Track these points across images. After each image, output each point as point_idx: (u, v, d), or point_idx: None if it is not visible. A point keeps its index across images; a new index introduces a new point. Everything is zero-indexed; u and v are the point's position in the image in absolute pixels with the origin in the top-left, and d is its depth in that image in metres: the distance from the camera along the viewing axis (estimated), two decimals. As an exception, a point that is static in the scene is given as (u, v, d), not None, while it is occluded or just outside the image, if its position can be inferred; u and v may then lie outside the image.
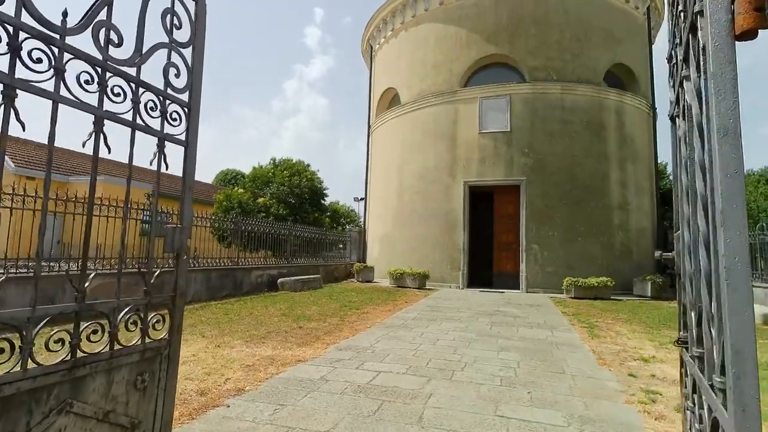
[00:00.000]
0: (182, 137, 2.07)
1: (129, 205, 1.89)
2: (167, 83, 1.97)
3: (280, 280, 11.17)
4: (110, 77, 1.68)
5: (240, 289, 10.12)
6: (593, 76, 13.20)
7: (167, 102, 1.98)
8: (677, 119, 1.50)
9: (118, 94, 1.72)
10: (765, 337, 6.32)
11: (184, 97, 2.08)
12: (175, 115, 2.04)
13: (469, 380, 3.74)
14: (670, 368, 4.38)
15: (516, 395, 3.40)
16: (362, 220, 17.67)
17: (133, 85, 1.80)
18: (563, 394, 3.45)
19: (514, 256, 12.89)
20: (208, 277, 9.18)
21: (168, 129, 2.00)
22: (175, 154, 2.22)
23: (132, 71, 1.79)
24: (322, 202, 27.36)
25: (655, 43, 15.63)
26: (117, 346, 1.72)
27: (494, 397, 3.34)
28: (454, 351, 4.82)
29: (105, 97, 1.67)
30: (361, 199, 21.92)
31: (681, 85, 1.33)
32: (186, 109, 2.09)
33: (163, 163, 1.97)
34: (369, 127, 17.65)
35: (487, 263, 14.17)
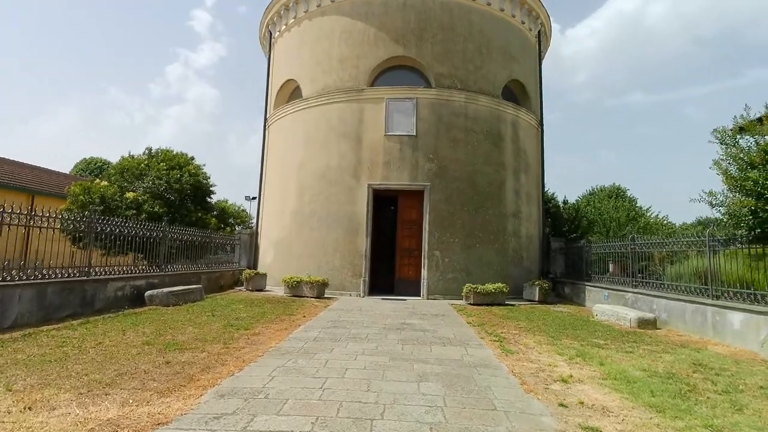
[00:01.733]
0: None
1: None
2: None
3: (148, 293, 9.22)
4: None
5: (91, 306, 8.01)
6: (493, 89, 13.69)
7: None
8: None
9: None
10: (648, 343, 6.75)
11: None
12: None
13: (394, 434, 2.96)
14: (592, 390, 4.16)
15: (454, 454, 2.71)
16: (254, 221, 16.01)
17: None
18: (505, 444, 2.87)
19: (416, 263, 12.66)
20: (42, 292, 7.00)
21: None
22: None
23: None
24: (208, 200, 24.66)
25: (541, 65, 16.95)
26: None
27: (429, 461, 2.60)
28: (368, 386, 4.01)
29: None
30: (254, 197, 20.07)
31: None
32: None
33: None
34: (266, 120, 16.09)
35: (388, 269, 13.75)
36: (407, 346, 5.85)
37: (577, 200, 25.73)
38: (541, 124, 15.47)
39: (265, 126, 16.10)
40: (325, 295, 11.91)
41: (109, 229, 8.83)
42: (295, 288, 11.80)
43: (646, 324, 8.29)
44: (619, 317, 8.79)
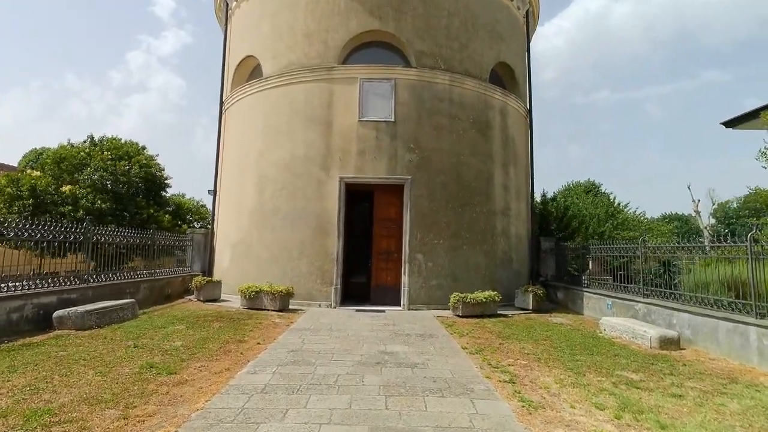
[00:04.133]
0: None
1: None
2: None
3: (57, 314, 7.22)
4: None
5: (-33, 337, 5.99)
6: (480, 71, 12.20)
7: None
8: None
9: None
10: (689, 376, 5.41)
11: None
12: None
13: None
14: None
15: None
16: (211, 219, 14.01)
17: None
18: None
19: (395, 267, 11.07)
20: None
21: None
22: None
23: None
24: (163, 194, 22.31)
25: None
26: None
27: None
28: None
29: None
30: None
31: None
32: None
33: None
34: (221, 103, 14.05)
35: (363, 274, 12.14)
36: (392, 399, 4.23)
37: (554, 194, 24.86)
38: (530, 113, 14.14)
39: (221, 110, 14.06)
40: (290, 307, 10.17)
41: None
42: (253, 299, 9.99)
43: (668, 344, 7.01)
44: (635, 334, 7.49)
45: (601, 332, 8.27)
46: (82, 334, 6.78)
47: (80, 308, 7.40)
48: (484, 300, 9.72)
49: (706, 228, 38.82)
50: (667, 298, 8.10)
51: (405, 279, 10.70)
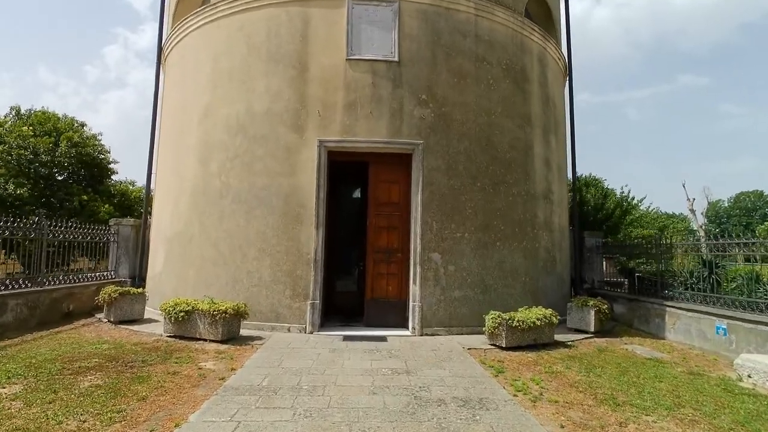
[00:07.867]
0: None
1: None
2: None
3: None
4: None
5: None
6: (513, 2, 8.89)
7: None
8: None
9: None
10: None
11: None
12: None
13: None
14: None
15: None
16: (144, 206, 10.33)
17: None
18: None
19: (399, 272, 7.66)
20: None
21: None
22: None
23: None
24: (108, 181, 18.48)
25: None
26: None
27: None
28: None
29: None
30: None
31: None
32: None
33: None
34: (160, 50, 10.39)
35: (353, 281, 8.75)
36: None
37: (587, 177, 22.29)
38: (569, 70, 10.91)
39: (159, 60, 10.40)
40: (242, 333, 6.69)
41: None
42: (183, 323, 6.45)
43: None
44: (835, 393, 4.27)
45: (743, 381, 5.06)
46: None
47: None
48: (536, 323, 6.39)
49: (701, 227, 36.73)
50: None
51: (415, 290, 7.29)
